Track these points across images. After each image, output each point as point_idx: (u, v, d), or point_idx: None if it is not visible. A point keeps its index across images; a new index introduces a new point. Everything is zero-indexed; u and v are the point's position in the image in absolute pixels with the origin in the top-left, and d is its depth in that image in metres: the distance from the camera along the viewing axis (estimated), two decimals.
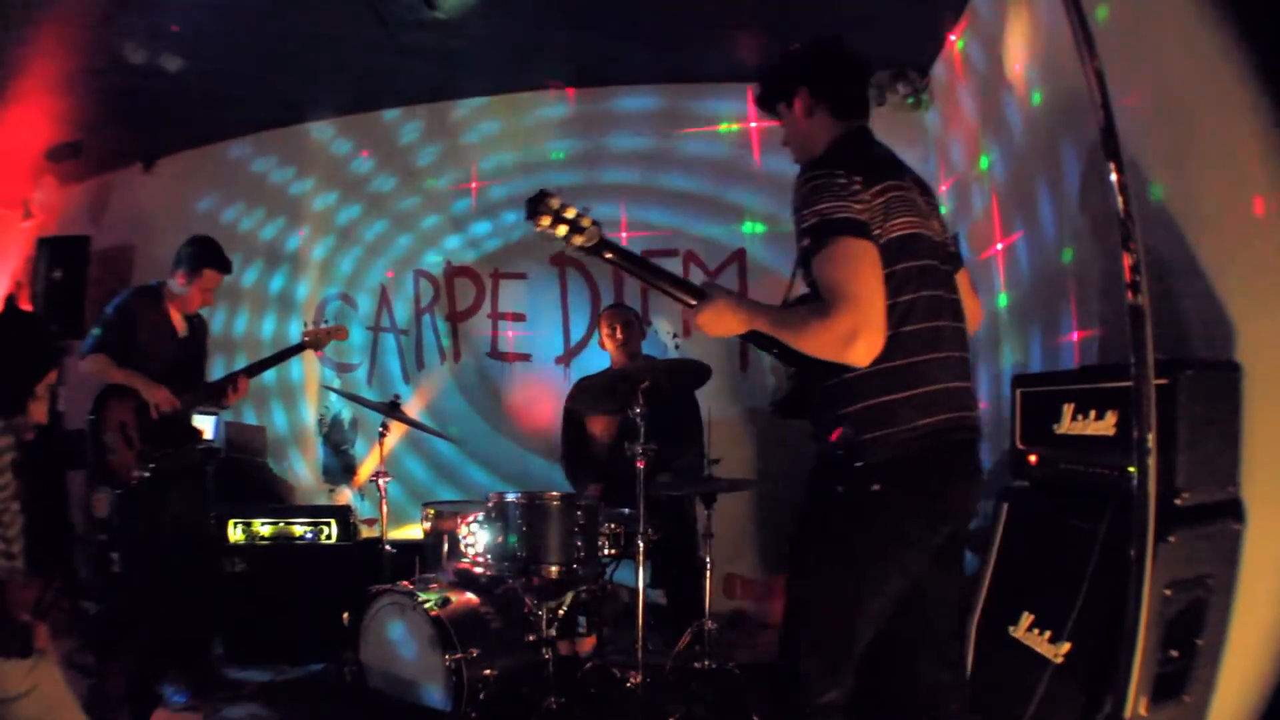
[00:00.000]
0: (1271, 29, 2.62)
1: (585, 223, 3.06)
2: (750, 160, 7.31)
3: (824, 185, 2.69)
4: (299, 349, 5.88)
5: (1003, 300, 5.22)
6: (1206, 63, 2.93)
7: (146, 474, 5.05)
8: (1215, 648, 2.72)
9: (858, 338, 2.57)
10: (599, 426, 5.98)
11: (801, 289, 2.96)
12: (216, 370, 5.72)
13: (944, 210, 6.37)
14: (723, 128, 7.38)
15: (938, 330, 2.78)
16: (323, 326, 5.99)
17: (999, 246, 5.25)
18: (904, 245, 2.73)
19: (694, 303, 3.00)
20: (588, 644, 5.19)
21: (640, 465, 4.47)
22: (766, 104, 3.25)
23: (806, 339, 2.68)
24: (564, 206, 3.04)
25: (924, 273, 2.77)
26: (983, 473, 2.94)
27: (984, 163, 5.49)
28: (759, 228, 7.26)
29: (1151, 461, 2.01)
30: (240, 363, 5.58)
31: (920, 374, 2.72)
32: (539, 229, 3.05)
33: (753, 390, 7.33)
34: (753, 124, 7.31)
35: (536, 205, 3.04)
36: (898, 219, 2.74)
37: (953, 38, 5.99)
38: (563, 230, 3.04)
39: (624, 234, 7.44)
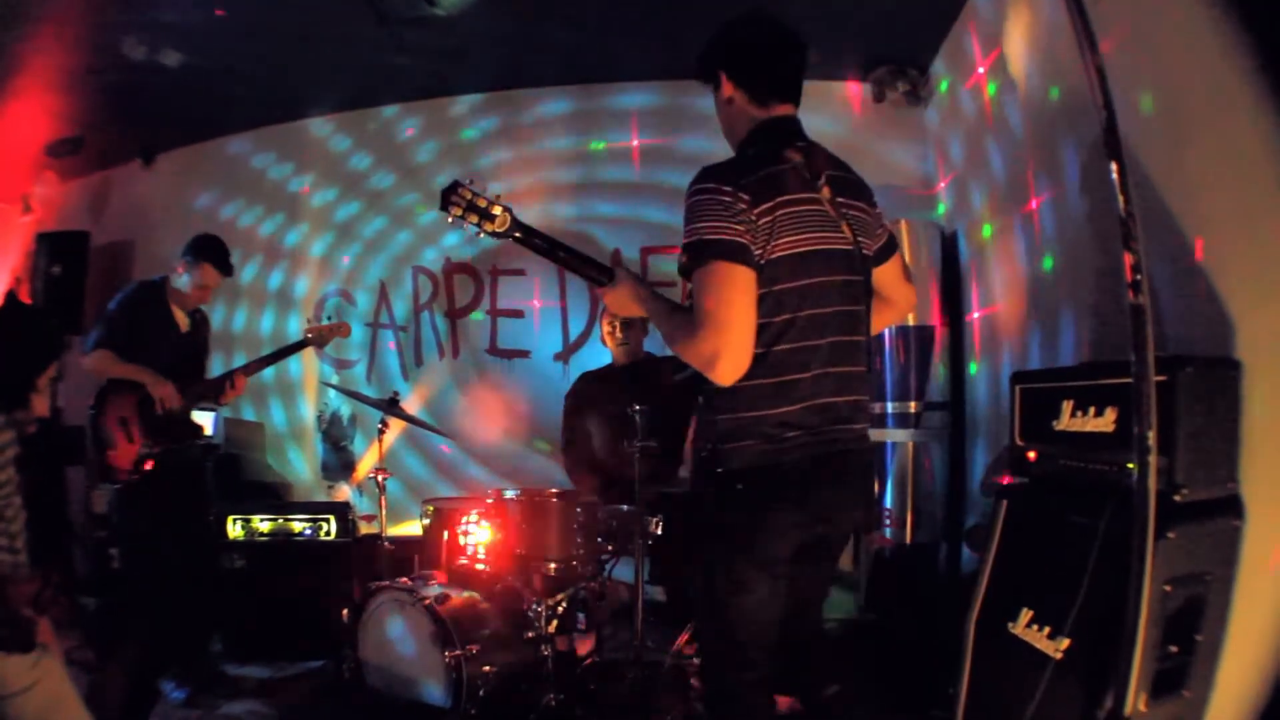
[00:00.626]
0: (1272, 25, 2.62)
1: (495, 210, 3.15)
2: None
3: (707, 203, 2.70)
4: (300, 346, 5.86)
5: (1000, 296, 5.22)
6: (1207, 59, 2.93)
7: (146, 469, 5.04)
8: (1214, 643, 2.72)
9: (718, 360, 2.64)
10: (599, 422, 5.97)
11: None
12: (215, 367, 5.71)
13: (941, 208, 6.44)
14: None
15: (812, 350, 2.78)
16: (324, 324, 5.97)
17: (998, 243, 5.25)
18: (788, 265, 2.73)
19: (603, 280, 3.14)
20: (587, 644, 5.19)
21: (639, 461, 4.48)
22: (703, 84, 3.19)
23: (678, 348, 2.78)
24: (476, 196, 3.13)
25: (806, 292, 2.76)
26: (859, 480, 2.97)
27: (983, 160, 5.49)
28: None
29: (1152, 459, 2.02)
30: (239, 359, 5.58)
31: (787, 393, 2.76)
32: (451, 220, 3.14)
33: None
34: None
35: (448, 196, 3.13)
36: (785, 238, 2.72)
37: (952, 34, 5.99)
38: (474, 219, 3.13)
39: (626, 231, 7.46)
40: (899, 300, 3.25)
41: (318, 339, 5.89)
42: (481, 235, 3.17)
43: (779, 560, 2.80)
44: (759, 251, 2.68)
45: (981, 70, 5.45)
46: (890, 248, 3.18)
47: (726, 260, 2.64)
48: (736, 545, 2.79)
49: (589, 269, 3.18)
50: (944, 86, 6.32)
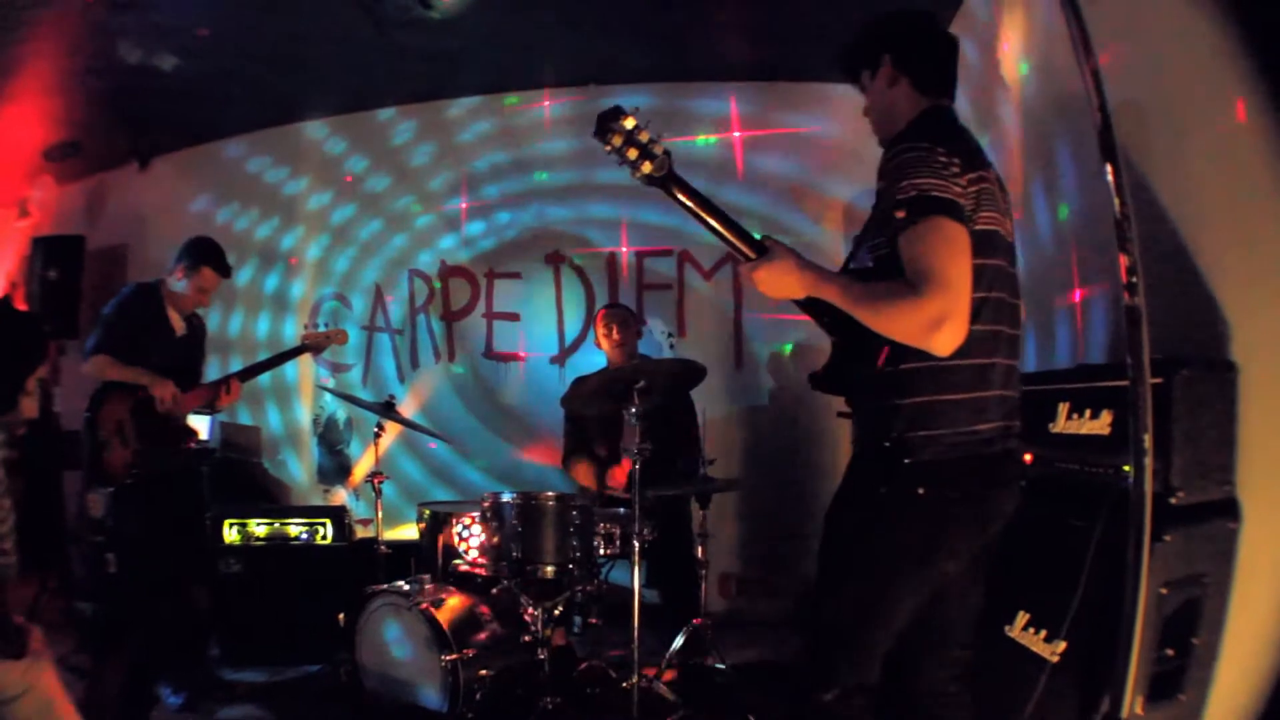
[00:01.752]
0: (1270, 26, 2.62)
1: (658, 150, 2.84)
2: (749, 162, 7.33)
3: (924, 159, 2.55)
4: (296, 353, 5.82)
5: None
6: (1204, 60, 2.93)
7: (141, 473, 5.03)
8: (1211, 646, 2.72)
9: (944, 324, 2.43)
10: (596, 425, 5.97)
11: (863, 263, 2.82)
12: (211, 371, 5.70)
13: None
14: (702, 138, 7.41)
15: (999, 335, 2.69)
16: (321, 330, 5.91)
17: None
18: (986, 240, 2.61)
19: (753, 256, 2.82)
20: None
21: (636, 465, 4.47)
22: (849, 70, 3.09)
23: (887, 317, 2.53)
24: (638, 128, 2.83)
25: (997, 272, 2.67)
26: (1020, 483, 2.83)
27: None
28: (754, 229, 7.23)
29: (1148, 462, 2.01)
30: (235, 363, 5.56)
31: (979, 377, 2.63)
32: (608, 149, 2.85)
33: (748, 390, 7.34)
34: (735, 134, 7.35)
35: (608, 122, 2.84)
36: (985, 212, 2.61)
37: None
38: (633, 154, 2.83)
39: (621, 234, 7.46)
40: None
41: (314, 345, 5.85)
42: (636, 175, 2.85)
43: (951, 568, 2.69)
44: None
45: (976, 73, 5.45)
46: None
47: (951, 218, 2.49)
48: (915, 548, 2.65)
49: (740, 239, 2.85)
50: None
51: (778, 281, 2.76)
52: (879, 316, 2.55)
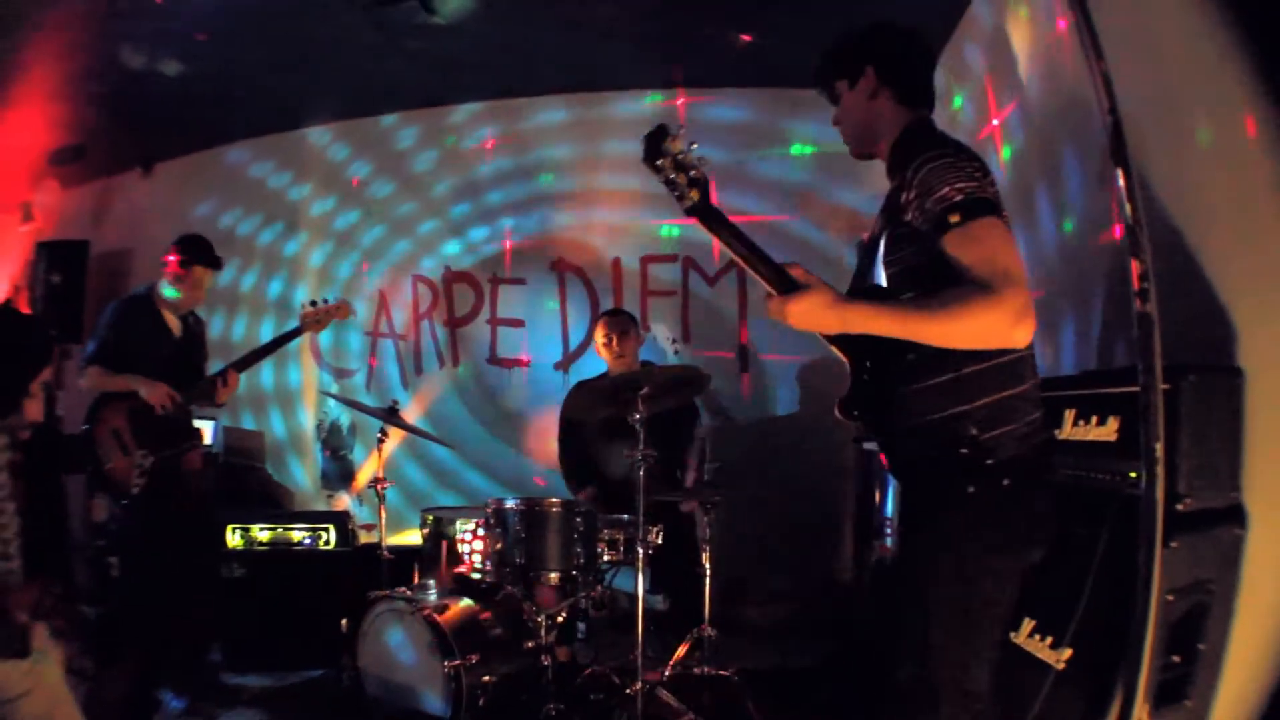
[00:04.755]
0: (1276, 30, 2.62)
1: (700, 176, 2.72)
2: (755, 168, 7.33)
3: (965, 165, 2.56)
4: (297, 333, 5.72)
5: None
6: (1209, 65, 2.93)
7: (144, 480, 5.03)
8: (1217, 652, 2.71)
9: (1027, 316, 2.40)
10: (597, 432, 5.97)
11: (877, 281, 2.81)
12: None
13: None
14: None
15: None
16: (322, 305, 5.75)
17: None
18: None
19: (783, 289, 2.69)
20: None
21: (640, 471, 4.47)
22: (824, 81, 3.07)
23: (966, 325, 2.46)
24: (684, 153, 2.72)
25: None
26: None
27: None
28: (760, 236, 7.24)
29: (1159, 470, 2.00)
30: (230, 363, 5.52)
31: (1029, 368, 2.64)
32: (658, 177, 2.73)
33: (753, 396, 7.33)
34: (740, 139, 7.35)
35: (657, 143, 2.72)
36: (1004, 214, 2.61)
37: (952, 42, 5.99)
38: (682, 180, 2.70)
39: (626, 239, 7.46)
40: None
41: (314, 323, 5.73)
42: (683, 203, 2.71)
43: (1034, 555, 2.65)
44: None
45: (981, 80, 5.45)
46: None
47: (1000, 218, 2.52)
48: (1008, 552, 2.61)
49: (771, 274, 2.72)
50: (955, 101, 6.32)
51: (815, 316, 2.65)
52: (956, 327, 2.49)
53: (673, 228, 7.37)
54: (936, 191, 2.54)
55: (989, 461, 2.57)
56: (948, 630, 2.63)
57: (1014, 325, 2.41)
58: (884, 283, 2.79)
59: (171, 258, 5.33)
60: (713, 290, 7.46)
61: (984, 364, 2.57)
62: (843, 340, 2.81)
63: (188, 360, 5.47)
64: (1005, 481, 2.56)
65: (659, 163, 2.72)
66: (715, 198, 2.73)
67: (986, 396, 2.59)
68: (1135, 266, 1.97)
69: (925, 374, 2.65)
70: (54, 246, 8.24)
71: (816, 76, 3.12)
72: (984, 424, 2.59)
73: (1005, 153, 5.10)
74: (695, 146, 2.73)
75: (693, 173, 2.71)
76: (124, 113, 7.57)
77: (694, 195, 2.70)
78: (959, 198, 2.50)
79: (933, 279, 2.53)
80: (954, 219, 2.49)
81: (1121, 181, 1.99)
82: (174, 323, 5.40)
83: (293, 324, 5.77)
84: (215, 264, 5.42)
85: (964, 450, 2.60)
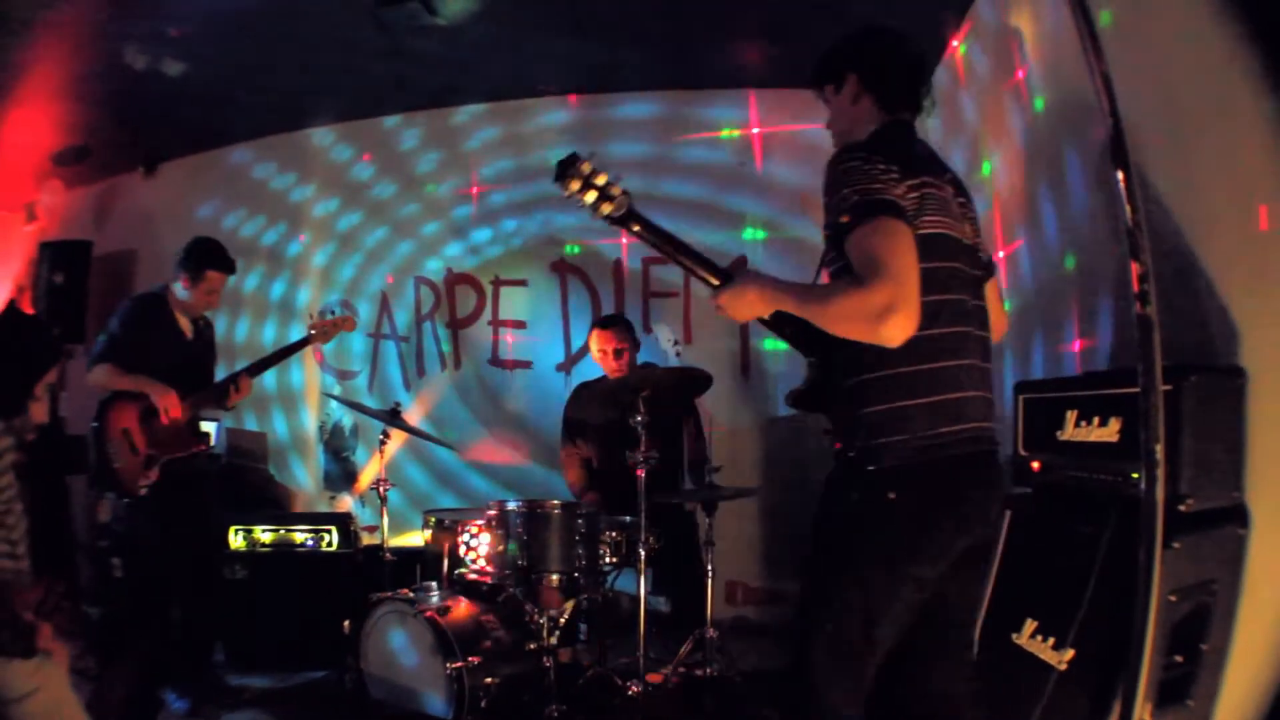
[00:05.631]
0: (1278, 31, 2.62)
1: (615, 190, 2.96)
2: (751, 166, 7.33)
3: (861, 168, 2.60)
4: (304, 344, 5.77)
5: (1005, 306, 5.21)
6: (1212, 66, 2.93)
7: (152, 482, 5.03)
8: (1219, 652, 2.72)
9: (893, 312, 2.43)
10: (599, 433, 5.97)
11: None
12: (218, 377, 5.69)
13: None
14: (724, 133, 7.40)
15: (964, 336, 2.72)
16: (328, 318, 5.86)
17: (1001, 254, 5.24)
18: (935, 243, 2.64)
19: (716, 283, 2.90)
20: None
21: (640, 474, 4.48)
22: (815, 84, 3.15)
23: (836, 311, 2.56)
24: (595, 172, 2.94)
25: (953, 275, 2.70)
26: (1003, 484, 2.87)
27: (985, 169, 5.49)
28: (760, 234, 7.27)
29: (1160, 473, 2.00)
30: (244, 366, 5.54)
31: (942, 380, 2.65)
32: (567, 194, 2.95)
33: (754, 398, 7.33)
34: (754, 129, 7.34)
35: (566, 168, 2.94)
36: (929, 216, 2.65)
37: (955, 43, 5.99)
38: (591, 197, 2.94)
39: (624, 240, 7.45)
40: (996, 321, 3.08)
41: (321, 334, 5.81)
42: (596, 217, 2.98)
43: (929, 578, 2.68)
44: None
45: (984, 78, 5.45)
46: (992, 267, 3.12)
47: (894, 217, 2.52)
48: (889, 551, 2.65)
49: (703, 269, 2.95)
50: (946, 95, 6.32)
51: (739, 303, 2.84)
52: (829, 312, 2.58)
53: (676, 228, 7.35)
54: (839, 193, 2.62)
55: (870, 468, 2.65)
56: (817, 640, 2.77)
57: (876, 321, 2.46)
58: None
59: (183, 264, 5.32)
60: None
61: (882, 372, 2.63)
62: (799, 337, 2.89)
63: (198, 363, 5.48)
64: (890, 495, 2.62)
65: (569, 185, 2.93)
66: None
67: (879, 404, 2.67)
68: (1135, 268, 1.97)
69: (841, 375, 2.75)
70: (57, 247, 8.24)
71: (810, 80, 3.18)
72: (871, 430, 2.67)
73: (1006, 154, 5.10)
74: (607, 169, 2.97)
75: (608, 189, 2.93)
76: (127, 113, 7.59)
77: (605, 209, 2.93)
78: (853, 199, 2.57)
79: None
80: (844, 220, 2.57)
81: (1122, 184, 1.98)
82: (186, 325, 5.41)
83: (299, 334, 5.79)
84: (229, 268, 5.43)
85: (851, 454, 2.72)
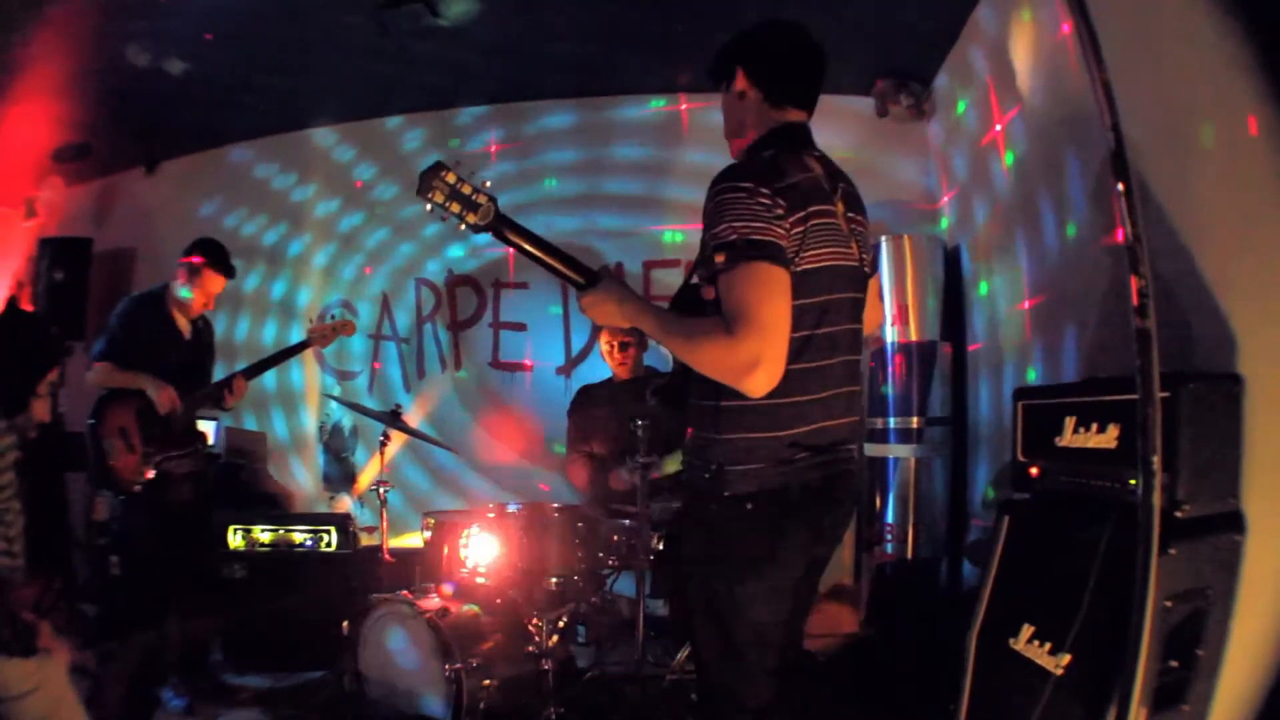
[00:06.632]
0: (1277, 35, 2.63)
1: (481, 199, 2.90)
2: None
3: (746, 201, 2.55)
4: (302, 347, 5.80)
5: (1004, 312, 5.22)
6: (1211, 75, 2.94)
7: (148, 478, 5.05)
8: (1214, 658, 2.72)
9: (759, 367, 2.46)
10: (601, 436, 5.97)
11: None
12: (217, 376, 5.70)
13: (944, 223, 6.45)
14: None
15: (826, 370, 2.71)
16: (328, 322, 5.89)
17: (1001, 256, 5.25)
18: (811, 279, 2.62)
19: (581, 282, 2.91)
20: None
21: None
22: (713, 80, 3.08)
23: (700, 354, 2.58)
24: (460, 181, 2.89)
25: (825, 309, 2.68)
26: (853, 501, 2.94)
27: (986, 174, 5.50)
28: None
29: (1157, 482, 2.01)
30: (241, 368, 5.56)
31: (797, 415, 2.66)
32: (429, 207, 2.88)
33: None
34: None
35: (429, 179, 2.88)
36: (811, 251, 2.61)
37: (956, 48, 6.00)
38: (456, 208, 2.87)
39: (629, 244, 7.46)
40: (871, 320, 3.09)
41: (320, 338, 5.83)
42: (462, 227, 2.90)
43: (789, 582, 2.74)
44: (792, 261, 2.57)
45: (985, 85, 5.46)
46: (874, 265, 3.07)
47: (771, 262, 2.49)
48: (746, 569, 2.69)
49: (571, 271, 2.94)
50: (959, 106, 6.33)
51: (599, 309, 2.87)
52: (693, 353, 2.61)
53: (676, 233, 7.37)
54: (715, 226, 2.58)
55: (725, 494, 2.67)
56: (706, 647, 2.84)
57: (741, 373, 2.49)
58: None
59: (185, 259, 5.33)
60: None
61: (740, 401, 2.61)
62: None
63: (196, 363, 5.50)
64: (749, 505, 2.66)
65: (430, 196, 2.86)
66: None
67: (734, 432, 2.68)
68: (1135, 282, 1.97)
69: (699, 392, 2.77)
70: (57, 243, 8.24)
71: (709, 76, 3.12)
72: (726, 456, 2.69)
73: (1008, 158, 5.10)
74: (472, 176, 2.92)
75: (468, 198, 2.87)
76: (129, 111, 7.60)
77: (470, 218, 2.88)
78: (730, 237, 2.53)
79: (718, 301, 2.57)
80: (719, 259, 2.54)
81: (1122, 200, 1.98)
82: (184, 325, 5.42)
83: (298, 337, 5.82)
84: (228, 272, 5.44)
85: (706, 476, 2.73)
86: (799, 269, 2.58)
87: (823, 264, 2.66)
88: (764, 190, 2.56)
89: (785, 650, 2.87)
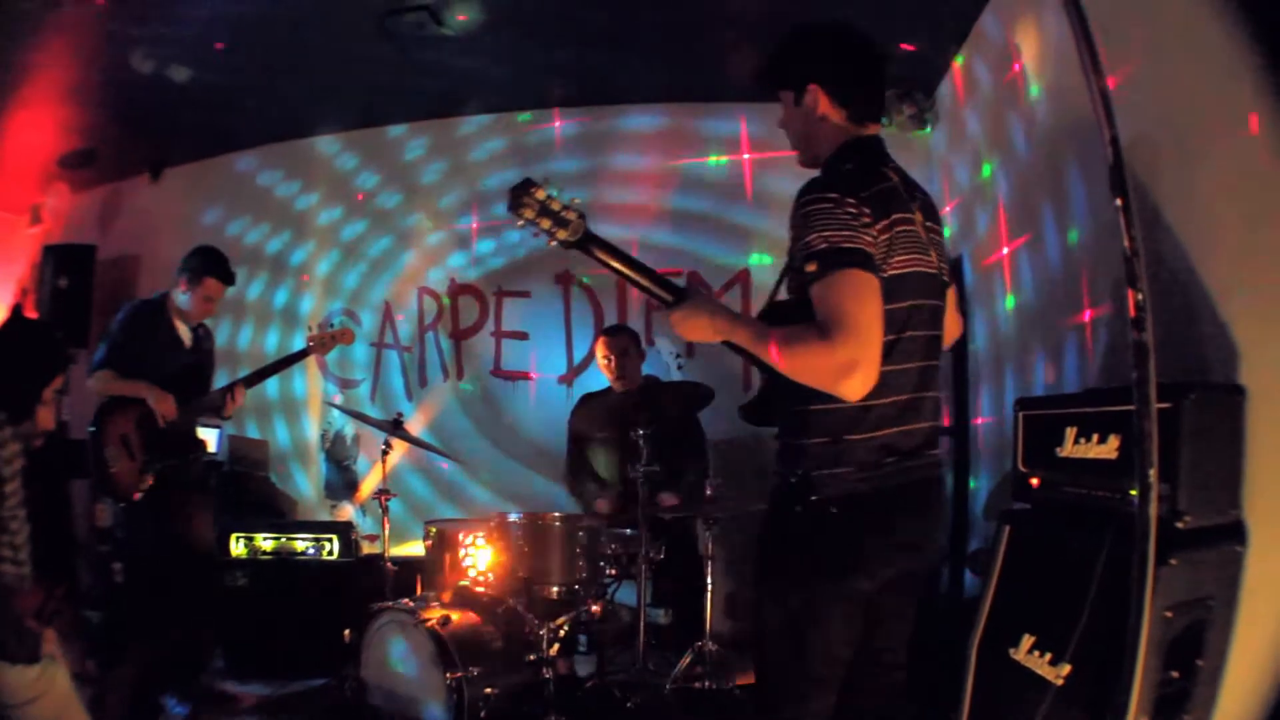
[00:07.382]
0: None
1: (571, 215, 2.90)
2: (759, 183, 7.33)
3: (834, 211, 2.55)
4: (303, 355, 5.81)
5: (1006, 320, 5.22)
6: (1218, 79, 2.94)
7: (148, 487, 5.05)
8: (1215, 668, 2.72)
9: (855, 371, 2.46)
10: (601, 446, 5.98)
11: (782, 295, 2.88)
12: (219, 383, 5.71)
13: (946, 233, 6.44)
14: (714, 159, 7.42)
15: (913, 372, 2.73)
16: (328, 330, 5.88)
17: (1003, 265, 5.25)
18: (897, 284, 2.63)
19: (670, 299, 2.89)
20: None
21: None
22: (768, 86, 3.05)
23: (798, 361, 2.56)
24: (550, 198, 2.90)
25: (911, 313, 2.70)
26: (942, 509, 2.93)
27: (988, 182, 5.50)
28: (764, 251, 7.26)
29: (1153, 496, 2.01)
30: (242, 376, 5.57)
31: (885, 417, 2.67)
32: (520, 223, 2.91)
33: None
34: (745, 155, 7.36)
35: (519, 196, 2.90)
36: (899, 256, 2.64)
37: (959, 58, 6.01)
38: (547, 224, 2.90)
39: (631, 253, 7.45)
40: (951, 331, 3.11)
41: (320, 346, 5.84)
42: (553, 243, 2.92)
43: (866, 592, 2.71)
44: (880, 267, 2.58)
45: (988, 94, 5.46)
46: (952, 275, 3.08)
47: (863, 269, 2.50)
48: (827, 575, 2.68)
49: (658, 286, 2.92)
50: (950, 109, 6.34)
51: (690, 324, 2.85)
52: (790, 363, 2.58)
53: (679, 242, 7.37)
54: (804, 236, 2.58)
55: (813, 497, 2.67)
56: (773, 656, 2.82)
57: (838, 377, 2.49)
58: None
59: (184, 268, 5.35)
60: None
61: (827, 405, 2.63)
62: (752, 355, 2.86)
63: (196, 371, 5.50)
64: (833, 510, 2.66)
65: (522, 212, 2.89)
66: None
67: (820, 436, 2.69)
68: (1132, 295, 1.98)
69: (787, 399, 2.76)
70: (61, 250, 8.26)
71: (759, 80, 3.10)
72: (815, 461, 2.70)
73: (1011, 167, 5.11)
74: (560, 193, 2.92)
75: (558, 215, 2.88)
76: (133, 118, 7.61)
77: (561, 234, 2.89)
78: (821, 246, 2.54)
79: (809, 310, 2.58)
80: (810, 268, 2.55)
81: (1121, 214, 1.98)
82: (185, 332, 5.43)
83: (299, 345, 5.82)
84: (228, 279, 5.45)
85: (793, 480, 2.73)
86: (886, 274, 2.60)
87: (907, 270, 2.68)
88: (850, 200, 2.57)
89: (867, 672, 2.86)
